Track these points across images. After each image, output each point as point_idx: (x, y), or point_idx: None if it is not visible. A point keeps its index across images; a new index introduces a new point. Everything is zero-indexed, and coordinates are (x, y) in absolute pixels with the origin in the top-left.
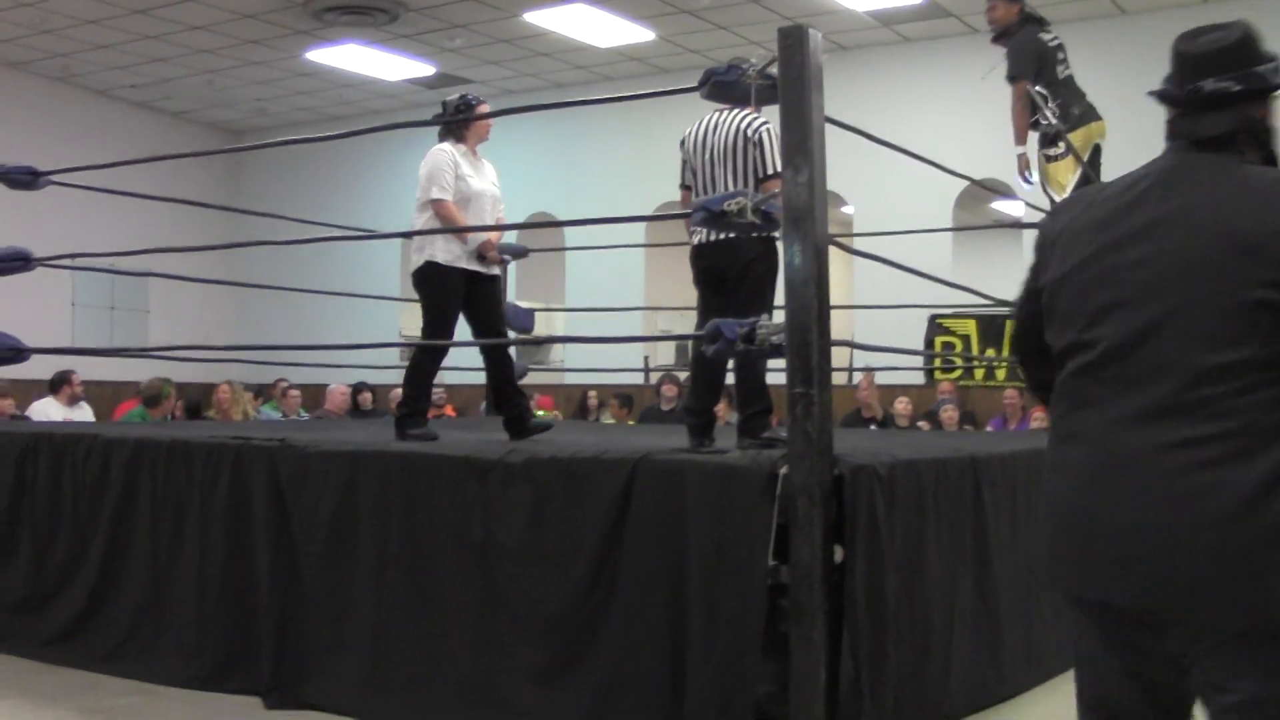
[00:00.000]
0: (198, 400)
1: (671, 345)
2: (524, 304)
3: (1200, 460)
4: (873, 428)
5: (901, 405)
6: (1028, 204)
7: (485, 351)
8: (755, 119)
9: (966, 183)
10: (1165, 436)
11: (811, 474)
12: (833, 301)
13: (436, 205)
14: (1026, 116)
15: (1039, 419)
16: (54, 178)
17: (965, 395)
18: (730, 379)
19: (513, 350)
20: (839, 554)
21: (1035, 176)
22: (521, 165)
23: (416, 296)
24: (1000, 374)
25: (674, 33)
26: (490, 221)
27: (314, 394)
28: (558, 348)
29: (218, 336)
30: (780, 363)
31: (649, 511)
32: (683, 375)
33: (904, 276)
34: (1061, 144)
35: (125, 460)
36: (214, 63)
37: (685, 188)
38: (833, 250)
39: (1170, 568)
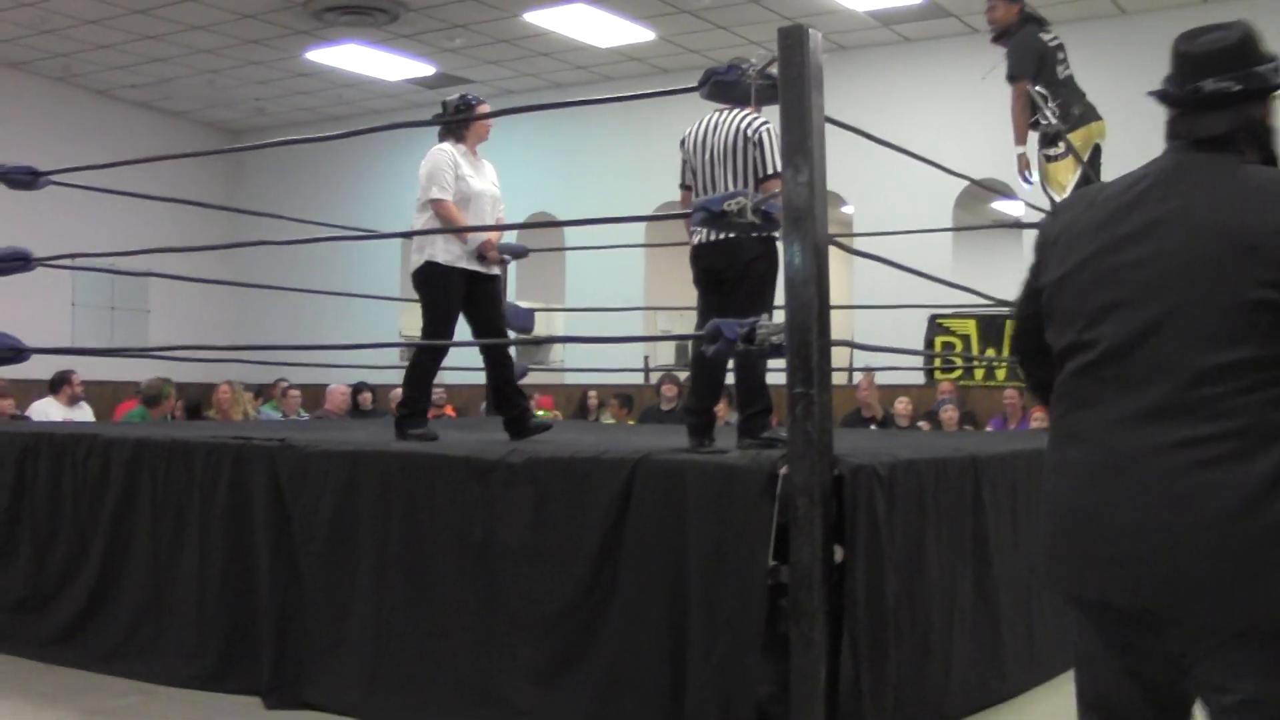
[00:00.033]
0: (198, 400)
1: (671, 345)
2: (524, 304)
3: (1201, 460)
4: (873, 428)
5: (902, 405)
6: (1028, 204)
7: (485, 351)
8: (755, 119)
9: (966, 183)
10: (1165, 436)
11: (812, 474)
12: (833, 301)
13: (436, 205)
14: (1027, 116)
15: (1039, 419)
16: (54, 178)
17: (965, 395)
18: (730, 379)
19: (513, 350)
20: (839, 554)
21: (1035, 176)
22: (522, 165)
23: (416, 296)
24: (1000, 374)
25: (674, 33)
26: (490, 221)
27: (314, 394)
28: (558, 348)
29: (218, 336)
30: (780, 363)
31: (649, 511)
32: (683, 375)
33: (904, 276)
34: (1061, 144)
35: (125, 460)
36: (214, 63)
37: (685, 187)
38: (833, 250)
39: (1170, 568)
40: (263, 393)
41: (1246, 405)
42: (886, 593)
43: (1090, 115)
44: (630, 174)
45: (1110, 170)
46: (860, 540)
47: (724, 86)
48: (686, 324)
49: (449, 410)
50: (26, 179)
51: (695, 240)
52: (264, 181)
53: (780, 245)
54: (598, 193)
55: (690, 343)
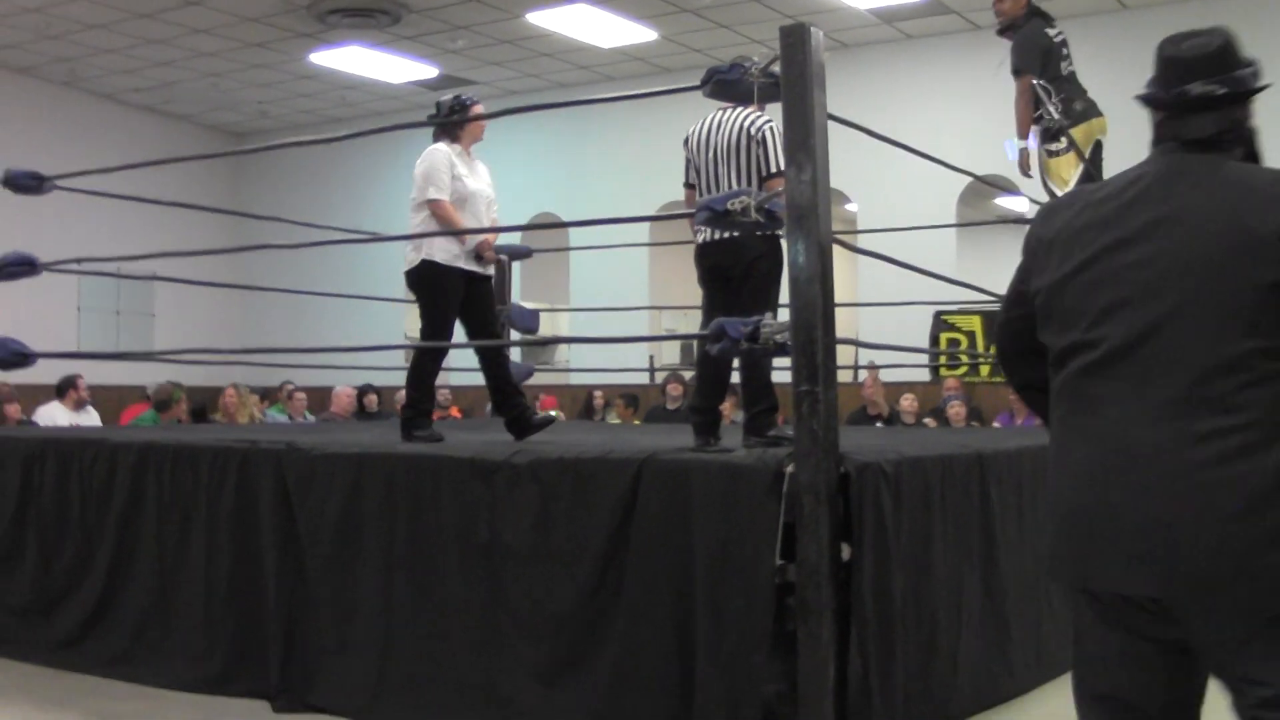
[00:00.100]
0: (203, 403)
1: (676, 344)
2: (529, 305)
3: (1213, 455)
4: (879, 425)
5: (907, 402)
6: (1031, 200)
7: (480, 353)
8: (758, 117)
9: (970, 179)
10: (1175, 432)
11: (818, 472)
12: (837, 299)
13: (433, 205)
14: (1030, 111)
15: None
16: (59, 182)
17: (971, 391)
18: (735, 378)
19: (518, 351)
20: (846, 552)
21: (1035, 171)
22: (525, 166)
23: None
24: None
25: (676, 32)
26: (485, 221)
27: (319, 396)
28: (563, 348)
29: (223, 340)
30: (785, 361)
31: (655, 511)
32: (688, 374)
33: (908, 273)
34: (1064, 139)
35: (131, 464)
36: (218, 66)
37: (689, 186)
38: (836, 248)
39: (1192, 561)
40: (268, 395)
41: (1258, 398)
42: (894, 590)
43: (1092, 111)
44: (634, 173)
45: (1112, 166)
46: (867, 538)
47: (727, 85)
48: (691, 323)
49: (454, 411)
50: (32, 184)
51: (699, 239)
52: (268, 184)
53: (784, 243)
54: (601, 192)
55: (695, 342)
